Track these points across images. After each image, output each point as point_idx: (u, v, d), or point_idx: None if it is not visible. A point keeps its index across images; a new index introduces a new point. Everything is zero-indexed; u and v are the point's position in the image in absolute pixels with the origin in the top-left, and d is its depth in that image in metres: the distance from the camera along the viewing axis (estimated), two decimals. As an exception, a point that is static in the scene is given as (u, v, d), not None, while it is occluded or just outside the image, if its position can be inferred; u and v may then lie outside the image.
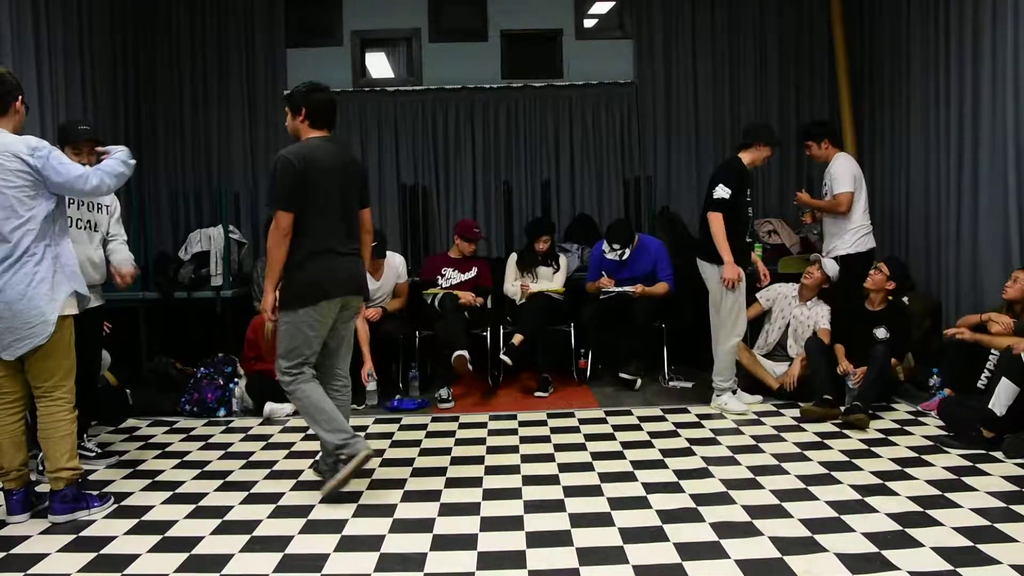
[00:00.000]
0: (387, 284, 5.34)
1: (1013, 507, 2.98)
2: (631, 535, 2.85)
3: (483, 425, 4.44)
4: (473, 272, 5.48)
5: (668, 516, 3.01)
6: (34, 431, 3.25)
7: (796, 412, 4.48)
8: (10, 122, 3.12)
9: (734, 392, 4.63)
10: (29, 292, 2.98)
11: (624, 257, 5.28)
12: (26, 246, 2.98)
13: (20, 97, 3.16)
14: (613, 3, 6.92)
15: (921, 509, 3.00)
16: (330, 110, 3.51)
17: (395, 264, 5.40)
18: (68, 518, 3.09)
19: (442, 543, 2.83)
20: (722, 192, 4.40)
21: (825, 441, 3.95)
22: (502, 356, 5.08)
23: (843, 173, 5.08)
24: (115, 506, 3.25)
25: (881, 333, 4.59)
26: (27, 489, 3.13)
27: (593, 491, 3.31)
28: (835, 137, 5.30)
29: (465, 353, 4.89)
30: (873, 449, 3.79)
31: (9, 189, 2.97)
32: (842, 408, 4.31)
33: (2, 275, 2.97)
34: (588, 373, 5.45)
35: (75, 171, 3.08)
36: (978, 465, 3.48)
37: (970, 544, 2.67)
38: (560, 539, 2.83)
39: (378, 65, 7.03)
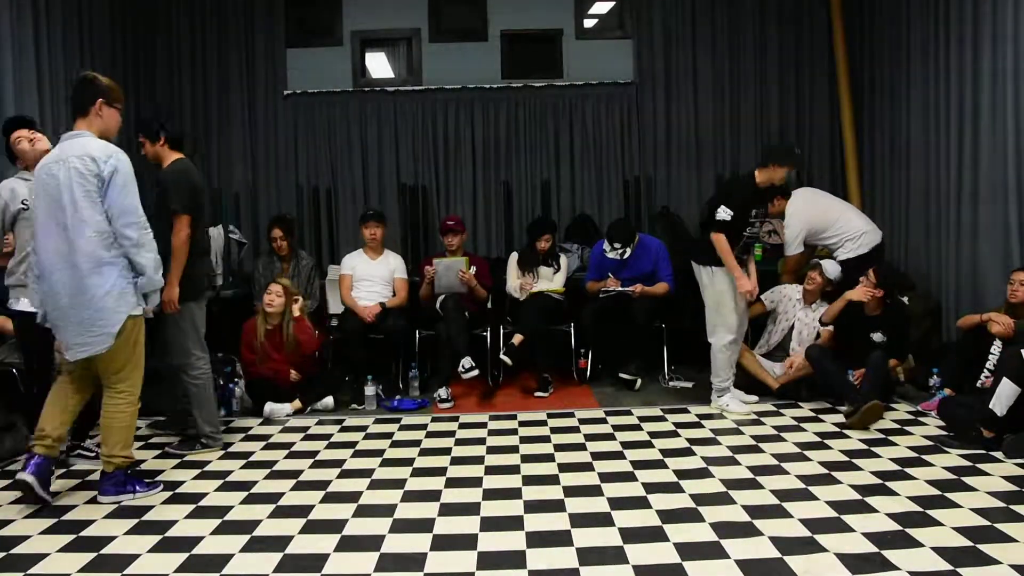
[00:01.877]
0: (382, 271, 5.38)
1: (1013, 507, 2.98)
2: (631, 535, 2.85)
3: (483, 425, 4.44)
4: (472, 271, 5.48)
5: (668, 516, 3.01)
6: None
7: (796, 412, 4.48)
8: (92, 124, 3.19)
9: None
10: (96, 303, 3.07)
11: (625, 256, 5.27)
12: (91, 251, 3.06)
13: (100, 101, 3.21)
14: (613, 3, 6.92)
15: (921, 509, 3.00)
16: (182, 134, 4.11)
17: (395, 259, 5.49)
18: (113, 499, 3.26)
19: (442, 543, 2.83)
20: (723, 214, 4.43)
21: (825, 441, 3.94)
22: (502, 356, 5.08)
23: (791, 232, 5.24)
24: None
25: (878, 337, 4.59)
26: (48, 459, 3.21)
27: (593, 491, 3.31)
28: (784, 191, 5.33)
29: (474, 369, 4.91)
30: (873, 449, 3.78)
31: (81, 192, 3.04)
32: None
33: (84, 279, 3.05)
34: (588, 373, 5.45)
35: (131, 203, 3.13)
36: (978, 465, 3.48)
37: (970, 544, 2.67)
38: (560, 539, 2.83)
39: (378, 65, 7.03)
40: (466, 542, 2.83)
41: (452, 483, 3.47)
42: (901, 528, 2.83)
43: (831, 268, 4.96)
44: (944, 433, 3.94)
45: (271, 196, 6.80)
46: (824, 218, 5.23)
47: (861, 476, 3.40)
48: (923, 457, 3.64)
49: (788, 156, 4.58)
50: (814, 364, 4.61)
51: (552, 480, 3.46)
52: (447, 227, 5.53)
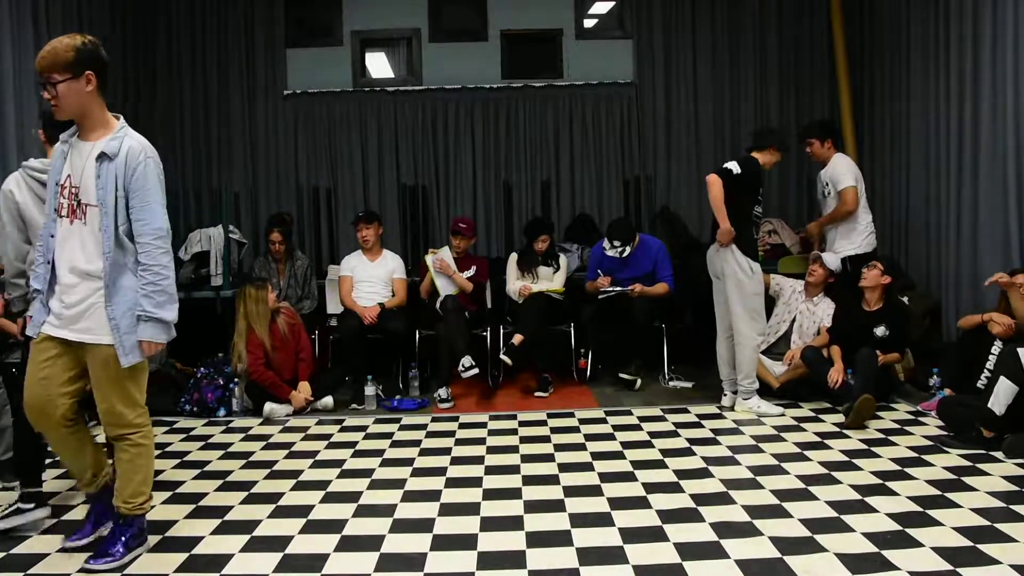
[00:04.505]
0: (382, 273, 5.39)
1: (1013, 507, 2.98)
2: (631, 535, 2.85)
3: (483, 425, 4.44)
4: (472, 271, 5.48)
5: (668, 516, 3.01)
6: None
7: (796, 412, 4.48)
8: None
9: (735, 392, 4.63)
10: None
11: (625, 255, 5.27)
12: None
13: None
14: (613, 3, 6.92)
15: (921, 509, 3.00)
16: None
17: (393, 259, 5.48)
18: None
19: (442, 543, 2.83)
20: (731, 165, 4.40)
21: (825, 441, 3.94)
22: (502, 356, 5.08)
23: (845, 170, 5.07)
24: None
25: (880, 331, 4.60)
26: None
27: (593, 491, 3.31)
28: (838, 139, 5.32)
29: (474, 367, 4.88)
30: (873, 449, 3.78)
31: None
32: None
33: None
34: (588, 373, 5.45)
35: None
36: (978, 465, 3.48)
37: (970, 544, 2.67)
38: (560, 539, 2.83)
39: (378, 65, 7.03)
40: (466, 542, 2.83)
41: (452, 483, 3.46)
42: (901, 528, 2.83)
43: (831, 260, 4.97)
44: (944, 433, 3.94)
45: (271, 196, 6.80)
46: (861, 182, 5.16)
47: (861, 476, 3.40)
48: (923, 457, 3.64)
49: (782, 141, 4.62)
50: (809, 366, 4.61)
51: (552, 480, 3.46)
52: (457, 228, 5.52)
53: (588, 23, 6.94)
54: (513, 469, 3.62)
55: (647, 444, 3.98)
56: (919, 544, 2.69)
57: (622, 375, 5.18)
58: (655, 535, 2.85)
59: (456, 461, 3.78)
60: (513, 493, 3.31)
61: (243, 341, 4.73)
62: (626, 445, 3.96)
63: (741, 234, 4.41)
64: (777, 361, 4.94)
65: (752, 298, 4.48)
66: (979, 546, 2.65)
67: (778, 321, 5.05)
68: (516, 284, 5.51)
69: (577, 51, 6.85)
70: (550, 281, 5.52)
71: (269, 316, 4.77)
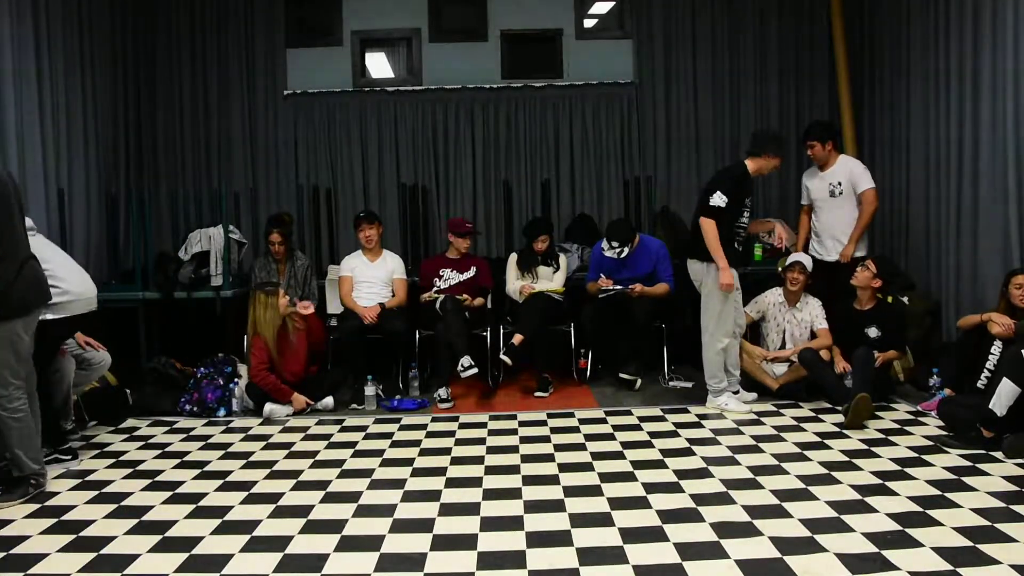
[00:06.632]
0: (382, 273, 5.40)
1: (1013, 507, 2.98)
2: (631, 535, 2.85)
3: (483, 425, 4.44)
4: (472, 272, 5.48)
5: (668, 516, 3.01)
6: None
7: (796, 412, 4.48)
8: None
9: (736, 392, 4.63)
10: None
11: (623, 255, 5.26)
12: None
13: None
14: (613, 3, 6.93)
15: (921, 509, 3.00)
16: None
17: (393, 259, 5.49)
18: None
19: (442, 543, 2.83)
20: (718, 200, 4.43)
21: (825, 441, 3.94)
22: (502, 356, 5.08)
23: (863, 171, 5.10)
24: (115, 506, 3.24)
25: (873, 332, 4.61)
26: None
27: (593, 491, 3.31)
28: (838, 141, 5.32)
29: (473, 367, 4.86)
30: (873, 449, 3.78)
31: None
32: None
33: None
34: (588, 373, 5.45)
35: None
36: (978, 465, 3.48)
37: (970, 544, 2.67)
38: (560, 539, 2.83)
39: (378, 65, 7.04)
40: (466, 542, 2.83)
41: (452, 483, 3.46)
42: (901, 528, 2.83)
43: (808, 261, 4.96)
44: (944, 433, 3.94)
45: (271, 196, 6.80)
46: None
47: (861, 476, 3.40)
48: (923, 457, 3.64)
49: (781, 147, 4.62)
50: (808, 367, 4.62)
51: (552, 480, 3.46)
52: (464, 228, 5.50)
53: (588, 23, 6.94)
54: (513, 469, 3.62)
55: (647, 444, 3.99)
56: (919, 544, 2.69)
57: (622, 375, 5.18)
58: (655, 535, 2.85)
59: (456, 461, 3.78)
60: (513, 493, 3.31)
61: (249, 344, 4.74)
62: (626, 445, 3.96)
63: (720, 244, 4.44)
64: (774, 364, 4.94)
65: (724, 303, 4.51)
66: (979, 546, 2.65)
67: (771, 336, 5.05)
68: (516, 284, 5.51)
69: (577, 51, 6.85)
70: (550, 281, 5.52)
71: (279, 323, 4.75)
